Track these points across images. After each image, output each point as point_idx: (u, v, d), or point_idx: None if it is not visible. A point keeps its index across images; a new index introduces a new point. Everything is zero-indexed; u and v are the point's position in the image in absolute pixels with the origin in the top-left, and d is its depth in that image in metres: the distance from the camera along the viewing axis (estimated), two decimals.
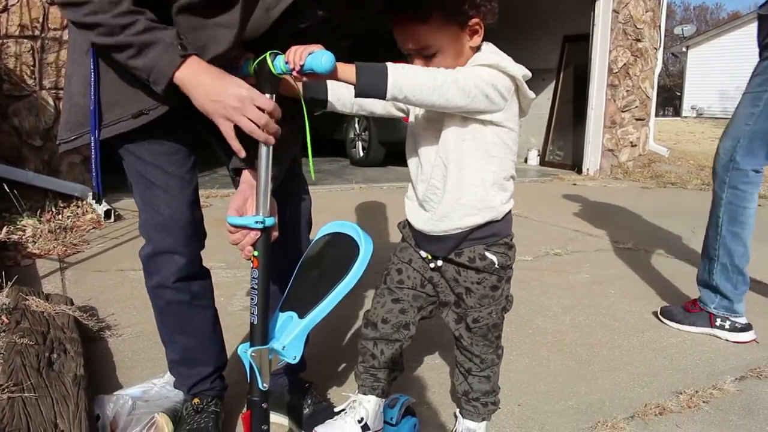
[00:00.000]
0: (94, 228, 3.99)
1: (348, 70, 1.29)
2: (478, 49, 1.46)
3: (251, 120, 1.27)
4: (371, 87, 1.30)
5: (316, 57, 1.24)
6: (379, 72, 1.29)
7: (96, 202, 1.47)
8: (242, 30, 1.33)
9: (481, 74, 1.36)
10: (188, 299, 1.62)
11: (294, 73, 1.27)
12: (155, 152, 1.48)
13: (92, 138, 1.38)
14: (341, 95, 1.52)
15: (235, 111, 1.27)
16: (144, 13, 1.27)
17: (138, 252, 1.61)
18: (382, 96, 1.31)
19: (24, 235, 3.57)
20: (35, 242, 3.47)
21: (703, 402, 2.03)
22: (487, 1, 1.40)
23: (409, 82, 1.30)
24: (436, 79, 1.32)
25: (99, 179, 1.42)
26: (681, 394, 2.07)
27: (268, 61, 1.28)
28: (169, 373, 1.81)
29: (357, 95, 1.32)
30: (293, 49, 1.26)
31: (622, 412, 1.96)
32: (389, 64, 1.30)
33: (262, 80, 1.32)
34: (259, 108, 1.28)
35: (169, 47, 1.26)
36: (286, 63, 1.27)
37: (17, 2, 4.30)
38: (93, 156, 1.40)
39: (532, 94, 1.47)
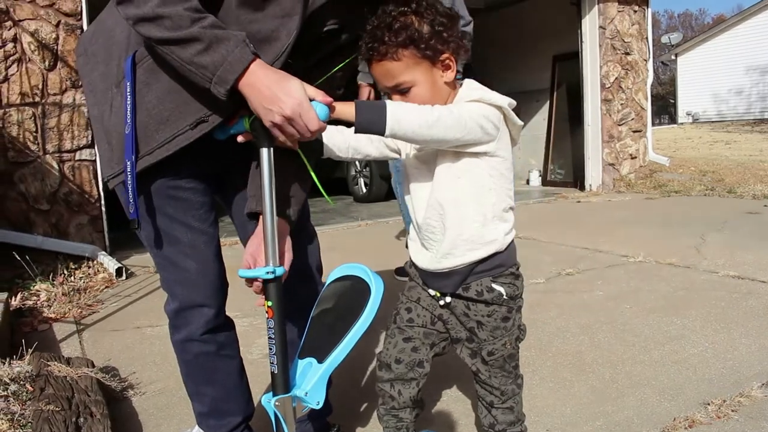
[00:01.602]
0: (107, 287, 4.01)
1: (347, 108, 1.33)
2: (456, 86, 1.50)
3: (290, 133, 1.28)
4: (371, 123, 1.33)
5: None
6: (378, 108, 1.33)
7: (136, 229, 1.44)
8: (302, 20, 1.34)
9: (472, 107, 1.40)
10: (215, 350, 1.63)
11: None
12: (180, 208, 1.50)
13: (128, 162, 1.38)
14: (336, 141, 1.55)
15: (276, 126, 1.28)
16: (209, 14, 1.27)
17: (163, 307, 1.63)
18: (381, 131, 1.33)
19: (38, 300, 3.59)
20: (50, 306, 3.49)
21: (732, 411, 2.02)
22: (457, 38, 1.44)
23: (408, 117, 1.33)
24: (433, 114, 1.35)
25: (136, 203, 1.39)
26: (709, 404, 2.06)
27: None
28: (197, 427, 1.81)
29: (357, 131, 1.35)
30: None
31: (652, 428, 1.95)
32: (387, 101, 1.34)
33: (259, 135, 1.35)
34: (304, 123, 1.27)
35: (241, 44, 1.25)
36: None
37: (17, 71, 4.39)
38: (129, 181, 1.38)
39: (519, 122, 1.50)
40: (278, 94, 1.25)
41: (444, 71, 1.45)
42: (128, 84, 1.37)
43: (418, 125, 1.34)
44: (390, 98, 1.47)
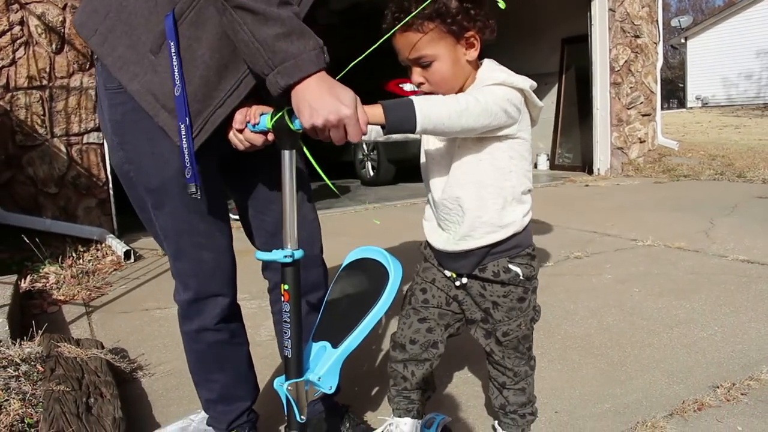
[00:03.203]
0: (115, 270, 4.03)
1: (374, 111, 1.28)
2: (477, 65, 1.48)
3: (325, 137, 1.24)
4: (401, 122, 1.29)
5: None
6: (406, 106, 1.29)
7: (196, 195, 1.37)
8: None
9: (496, 91, 1.38)
10: (228, 338, 1.63)
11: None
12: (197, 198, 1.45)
13: (182, 125, 1.32)
14: None
15: (315, 129, 1.22)
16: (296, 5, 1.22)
17: (173, 297, 1.61)
18: (412, 129, 1.30)
19: (48, 282, 3.61)
20: (59, 288, 3.51)
21: (742, 394, 2.01)
22: (485, 17, 1.42)
23: (436, 111, 1.31)
24: (460, 103, 1.33)
25: (194, 166, 1.34)
26: (718, 387, 2.06)
27: (286, 117, 1.28)
28: (203, 412, 1.81)
29: (388, 133, 1.31)
30: None
31: (661, 410, 1.95)
32: (413, 97, 1.31)
33: (282, 136, 1.32)
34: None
35: (319, 48, 1.21)
36: None
37: (24, 55, 4.39)
38: (185, 144, 1.33)
39: (540, 103, 1.49)
40: (329, 99, 1.20)
41: (468, 49, 1.43)
42: (172, 44, 1.30)
43: (447, 116, 1.31)
44: (410, 72, 1.45)
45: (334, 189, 1.49)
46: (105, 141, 1.53)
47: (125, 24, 1.37)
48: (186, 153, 1.34)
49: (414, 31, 1.39)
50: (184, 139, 1.34)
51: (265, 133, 1.38)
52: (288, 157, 1.32)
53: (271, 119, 1.32)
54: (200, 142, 1.37)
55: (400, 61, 1.47)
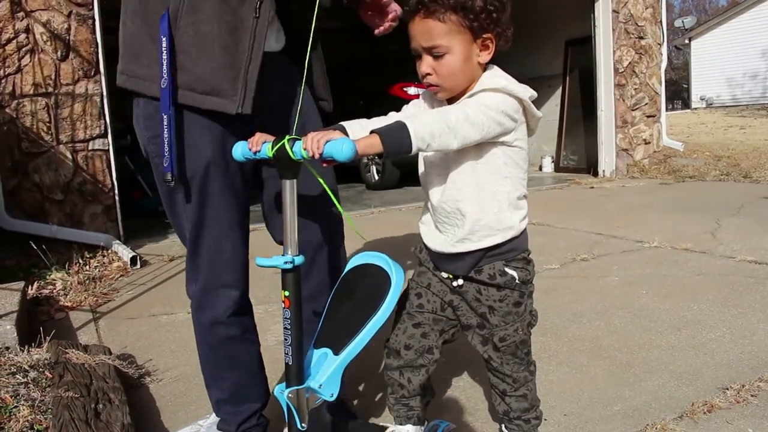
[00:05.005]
0: (121, 276, 4.03)
1: (372, 141, 1.29)
2: (485, 70, 1.48)
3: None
4: (397, 146, 1.30)
5: (337, 145, 1.22)
6: (400, 129, 1.30)
7: (172, 183, 1.47)
8: None
9: (488, 103, 1.38)
10: (239, 333, 1.65)
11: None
12: (227, 185, 1.54)
13: (164, 116, 1.42)
14: (356, 136, 1.53)
15: None
16: None
17: (186, 290, 1.64)
18: (408, 151, 1.32)
19: (55, 288, 3.61)
20: (66, 295, 3.51)
21: (752, 396, 2.00)
22: (505, 24, 1.43)
23: (428, 130, 1.31)
24: (449, 120, 1.34)
25: (172, 155, 1.44)
26: (727, 389, 2.05)
27: (287, 147, 1.28)
28: (213, 415, 1.81)
29: (387, 157, 1.33)
30: (311, 136, 1.27)
31: (670, 413, 1.94)
32: (404, 120, 1.32)
33: (283, 165, 1.32)
34: None
35: None
36: (305, 149, 1.25)
37: (30, 62, 4.41)
38: (166, 135, 1.43)
39: (539, 114, 1.49)
40: None
41: (482, 51, 1.43)
42: (164, 39, 1.41)
43: (439, 135, 1.32)
44: (419, 61, 1.45)
45: (359, 233, 1.51)
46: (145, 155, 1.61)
47: (130, 51, 1.52)
48: (166, 142, 1.43)
49: (435, 19, 1.39)
50: (166, 130, 1.42)
51: (266, 161, 1.39)
52: (289, 187, 1.33)
53: (272, 148, 1.32)
54: (249, 106, 1.47)
55: (412, 48, 1.46)
